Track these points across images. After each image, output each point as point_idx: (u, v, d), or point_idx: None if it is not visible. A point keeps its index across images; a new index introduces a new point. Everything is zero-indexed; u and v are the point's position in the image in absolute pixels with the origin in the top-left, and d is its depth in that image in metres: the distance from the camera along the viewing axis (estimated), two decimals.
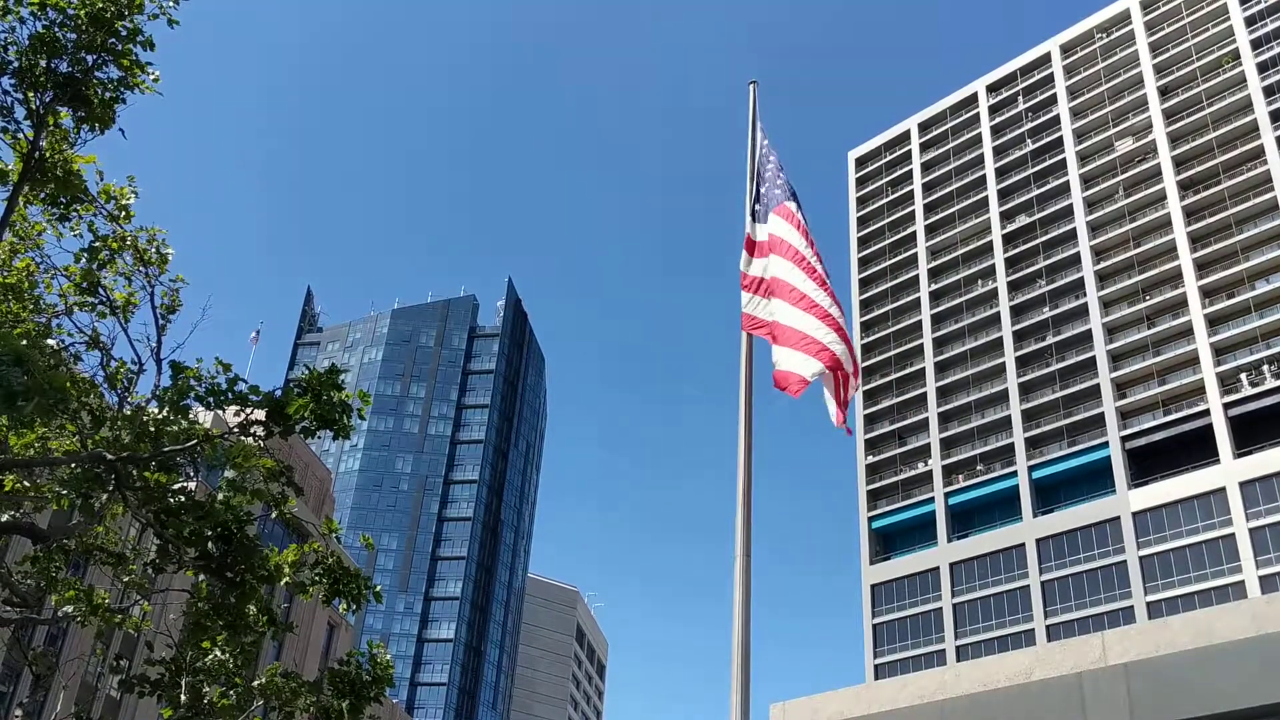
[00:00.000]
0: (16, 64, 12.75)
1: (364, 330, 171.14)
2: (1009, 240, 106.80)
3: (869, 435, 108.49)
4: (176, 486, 13.48)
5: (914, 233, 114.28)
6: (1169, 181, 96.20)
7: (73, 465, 13.06)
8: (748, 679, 9.01)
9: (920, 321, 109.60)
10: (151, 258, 14.47)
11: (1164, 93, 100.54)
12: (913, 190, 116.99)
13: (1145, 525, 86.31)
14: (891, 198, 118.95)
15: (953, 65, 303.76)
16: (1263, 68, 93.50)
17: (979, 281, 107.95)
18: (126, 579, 16.74)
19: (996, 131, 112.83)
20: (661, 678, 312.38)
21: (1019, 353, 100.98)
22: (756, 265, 11.14)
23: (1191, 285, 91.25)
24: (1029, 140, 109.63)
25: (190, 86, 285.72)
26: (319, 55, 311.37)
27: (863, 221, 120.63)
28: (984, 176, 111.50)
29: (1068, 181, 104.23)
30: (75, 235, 14.47)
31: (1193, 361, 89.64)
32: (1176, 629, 10.40)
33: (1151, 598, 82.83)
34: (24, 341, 11.49)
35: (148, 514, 13.40)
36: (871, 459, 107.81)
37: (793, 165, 11.67)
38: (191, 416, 13.31)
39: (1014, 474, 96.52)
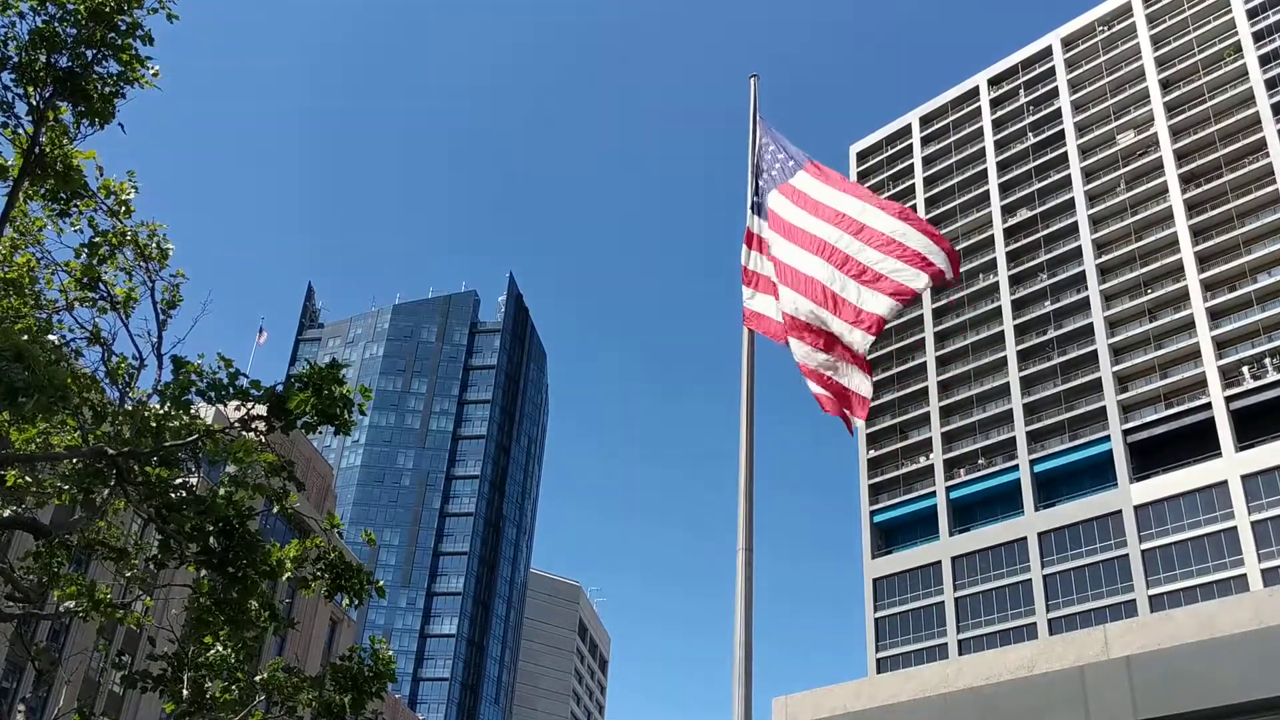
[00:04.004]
0: (16, 59, 12.75)
1: (365, 326, 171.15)
2: (1010, 234, 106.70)
3: (870, 429, 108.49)
4: (178, 481, 13.49)
5: None
6: (1170, 175, 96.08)
7: (74, 460, 13.07)
8: (750, 673, 9.01)
9: (921, 315, 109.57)
10: (152, 253, 14.47)
11: (1165, 86, 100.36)
12: (914, 184, 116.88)
13: (1147, 519, 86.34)
14: (892, 192, 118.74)
15: (954, 59, 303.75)
16: (1265, 60, 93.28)
17: (980, 275, 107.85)
18: (128, 574, 16.76)
19: (998, 125, 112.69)
20: (664, 672, 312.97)
21: (1020, 346, 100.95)
22: (756, 260, 11.09)
23: (1193, 279, 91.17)
24: (1030, 134, 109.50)
25: (190, 81, 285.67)
26: (320, 51, 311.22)
27: None
28: (985, 170, 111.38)
29: (1069, 175, 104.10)
30: (76, 230, 14.47)
31: (1194, 355, 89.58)
32: (1179, 622, 10.39)
33: (1154, 591, 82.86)
34: (25, 337, 11.49)
35: (149, 509, 13.41)
36: (873, 453, 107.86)
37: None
38: (193, 411, 13.31)
39: (1015, 468, 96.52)
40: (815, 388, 10.00)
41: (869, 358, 10.17)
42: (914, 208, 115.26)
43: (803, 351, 9.95)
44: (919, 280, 9.71)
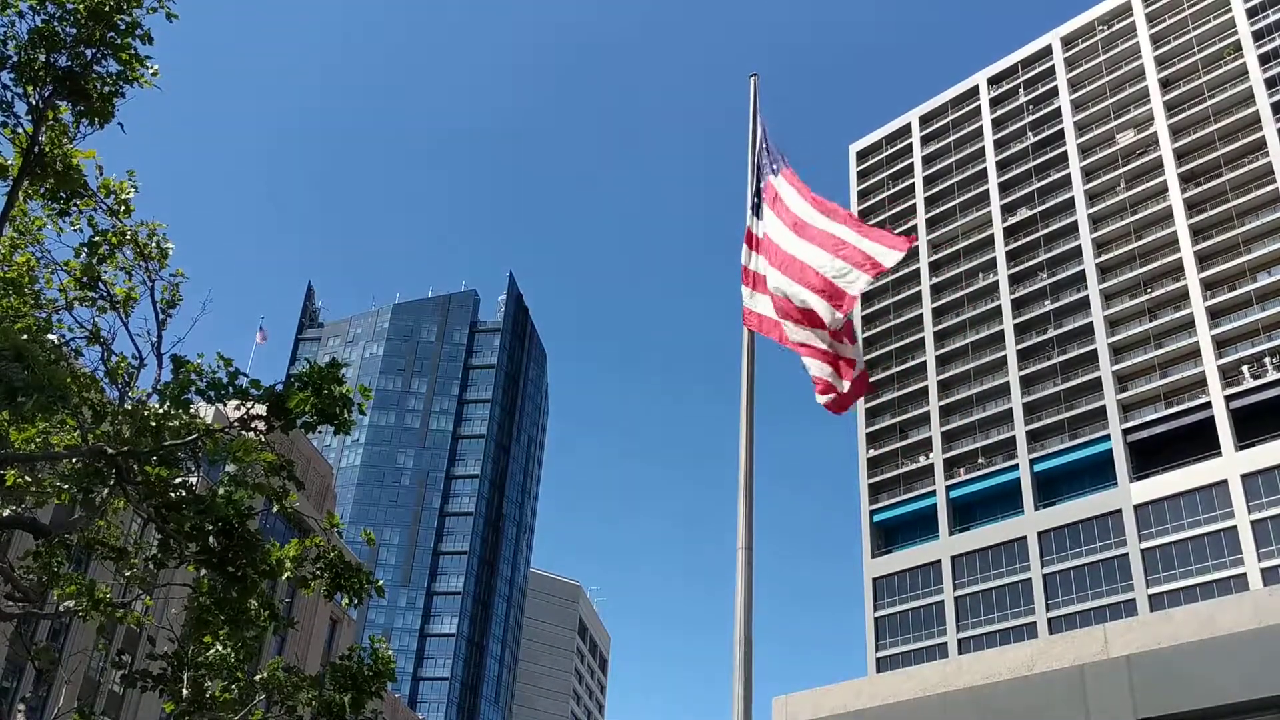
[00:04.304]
0: (16, 58, 12.74)
1: (365, 325, 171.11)
2: (1010, 233, 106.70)
3: (870, 429, 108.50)
4: (178, 481, 13.48)
5: (915, 226, 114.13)
6: (1170, 174, 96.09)
7: (74, 460, 13.07)
8: (750, 672, 9.02)
9: (921, 315, 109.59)
10: (152, 252, 14.47)
11: (1165, 85, 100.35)
12: (914, 184, 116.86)
13: (1147, 518, 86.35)
14: (892, 191, 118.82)
15: (954, 58, 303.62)
16: (1264, 59, 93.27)
17: (980, 274, 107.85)
18: (128, 574, 16.76)
19: (997, 124, 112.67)
20: (664, 672, 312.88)
21: (1020, 346, 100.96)
22: (756, 260, 11.15)
23: (1193, 278, 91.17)
24: (1030, 133, 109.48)
25: (190, 81, 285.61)
26: (319, 50, 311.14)
27: (864, 215, 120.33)
28: (985, 170, 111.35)
29: (1069, 174, 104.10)
30: (75, 230, 14.47)
31: (1194, 354, 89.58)
32: (1179, 621, 10.38)
33: (1153, 590, 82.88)
34: (24, 337, 11.50)
35: (149, 509, 13.41)
36: (873, 452, 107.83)
37: (794, 158, 11.64)
38: (192, 411, 13.30)
39: (1015, 467, 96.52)
40: (823, 398, 10.44)
41: (867, 358, 10.63)
42: (914, 207, 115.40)
43: (814, 367, 10.44)
44: (859, 284, 10.10)
